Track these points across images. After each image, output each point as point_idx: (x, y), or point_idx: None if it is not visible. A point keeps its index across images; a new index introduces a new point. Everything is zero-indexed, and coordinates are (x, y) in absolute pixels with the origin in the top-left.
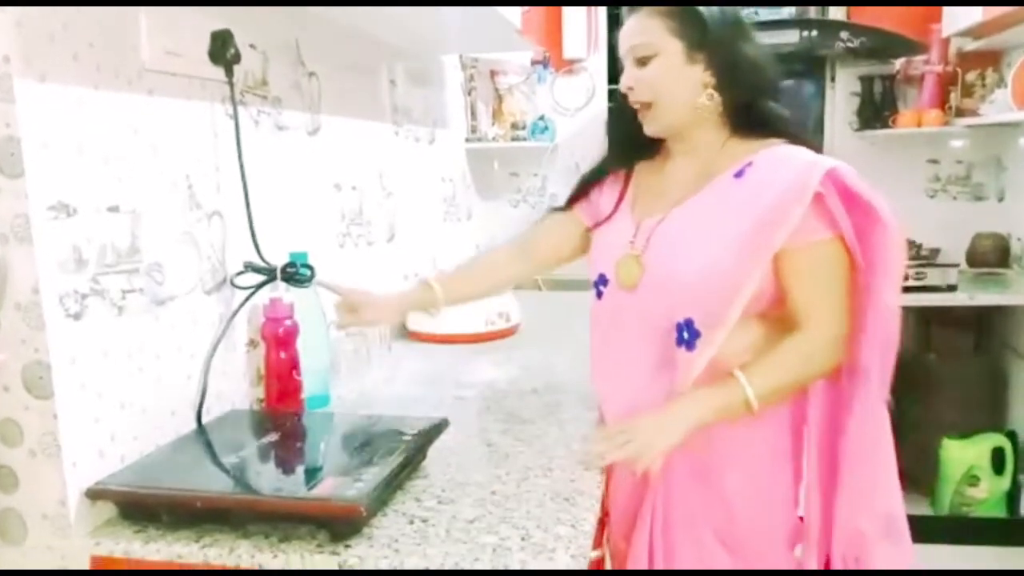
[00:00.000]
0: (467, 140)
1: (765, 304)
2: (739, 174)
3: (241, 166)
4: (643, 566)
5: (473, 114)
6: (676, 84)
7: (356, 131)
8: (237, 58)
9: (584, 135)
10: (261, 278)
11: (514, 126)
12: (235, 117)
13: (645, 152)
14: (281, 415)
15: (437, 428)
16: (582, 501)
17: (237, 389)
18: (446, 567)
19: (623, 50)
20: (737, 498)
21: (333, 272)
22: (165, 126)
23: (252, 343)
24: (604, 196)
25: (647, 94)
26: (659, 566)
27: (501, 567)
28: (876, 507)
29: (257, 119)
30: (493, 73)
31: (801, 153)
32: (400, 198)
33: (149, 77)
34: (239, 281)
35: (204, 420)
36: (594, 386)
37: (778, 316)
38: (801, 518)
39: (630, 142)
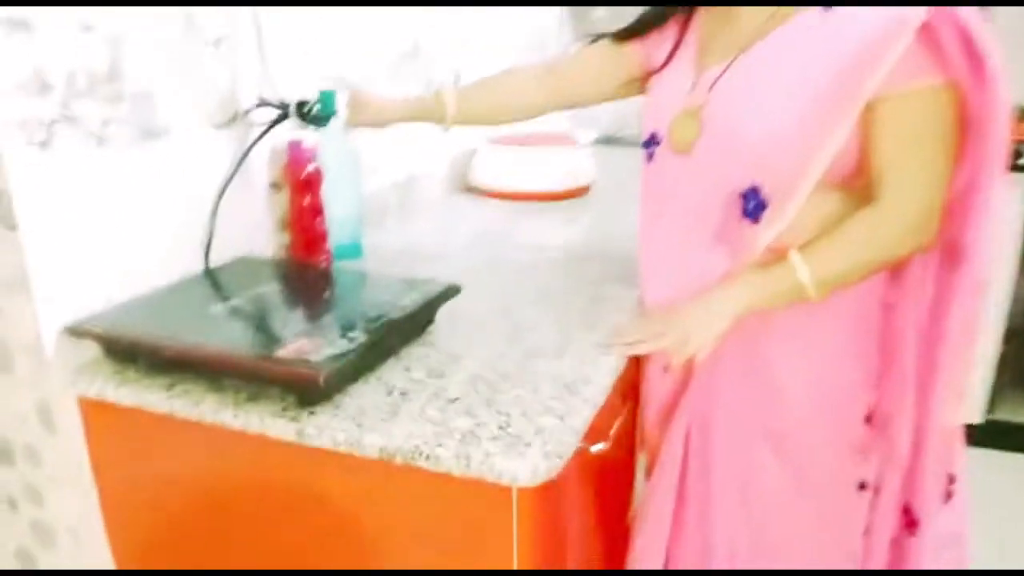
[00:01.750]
0: None
1: (849, 171)
2: (828, 4)
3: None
4: (676, 466)
5: None
6: None
7: None
8: None
9: None
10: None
11: None
12: None
13: None
14: (289, 265)
15: (444, 294)
16: (585, 391)
17: (256, 234)
18: (404, 448)
19: None
20: (793, 394)
21: None
22: None
23: (276, 186)
24: (664, 40)
25: None
26: (694, 469)
27: (463, 456)
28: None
29: None
30: None
31: None
32: (474, 44)
33: None
34: (253, 118)
35: (213, 264)
36: (639, 265)
37: (864, 186)
38: (868, 420)
39: None
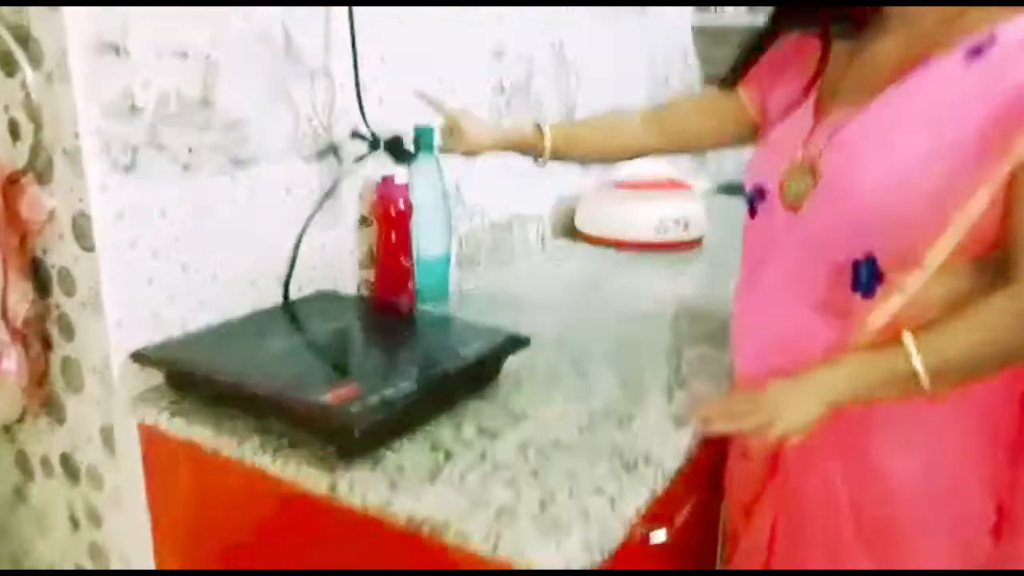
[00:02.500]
0: (696, 12)
1: (984, 244)
2: (975, 52)
3: (351, 15)
4: (759, 560)
5: None
6: None
7: None
8: None
9: None
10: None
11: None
12: None
13: (846, 16)
14: (365, 303)
15: (510, 345)
16: (647, 471)
17: (342, 268)
18: (433, 519)
19: None
20: (899, 496)
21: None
22: None
23: (365, 220)
24: (785, 76)
25: None
26: (779, 564)
27: (494, 534)
28: None
29: None
30: None
31: None
32: (587, 75)
33: None
34: (344, 151)
35: (294, 296)
36: (731, 331)
37: (1001, 261)
38: (994, 534)
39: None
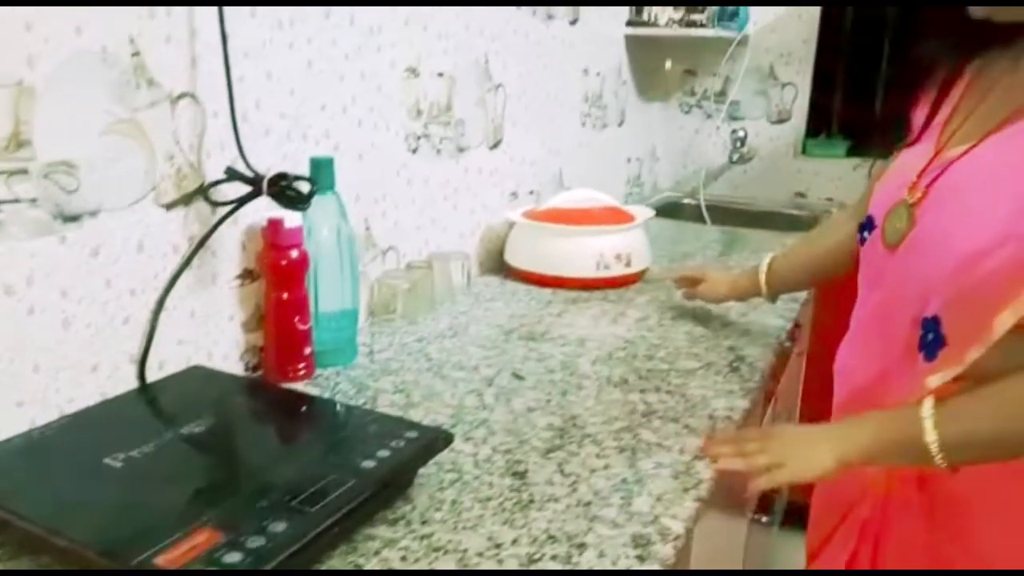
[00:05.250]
0: (629, 24)
1: None
2: None
3: (221, 20)
4: None
5: None
6: None
7: None
8: None
9: (787, 24)
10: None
11: (691, 6)
12: None
13: (991, 43)
14: (243, 385)
15: (426, 450)
16: None
17: (218, 337)
18: None
19: None
20: (995, 558)
21: (399, 188)
22: None
23: (249, 275)
24: (921, 108)
25: None
26: None
27: None
28: None
29: None
30: None
31: None
32: (514, 92)
33: None
34: (218, 193)
35: (159, 376)
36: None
37: None
38: None
39: (962, 28)
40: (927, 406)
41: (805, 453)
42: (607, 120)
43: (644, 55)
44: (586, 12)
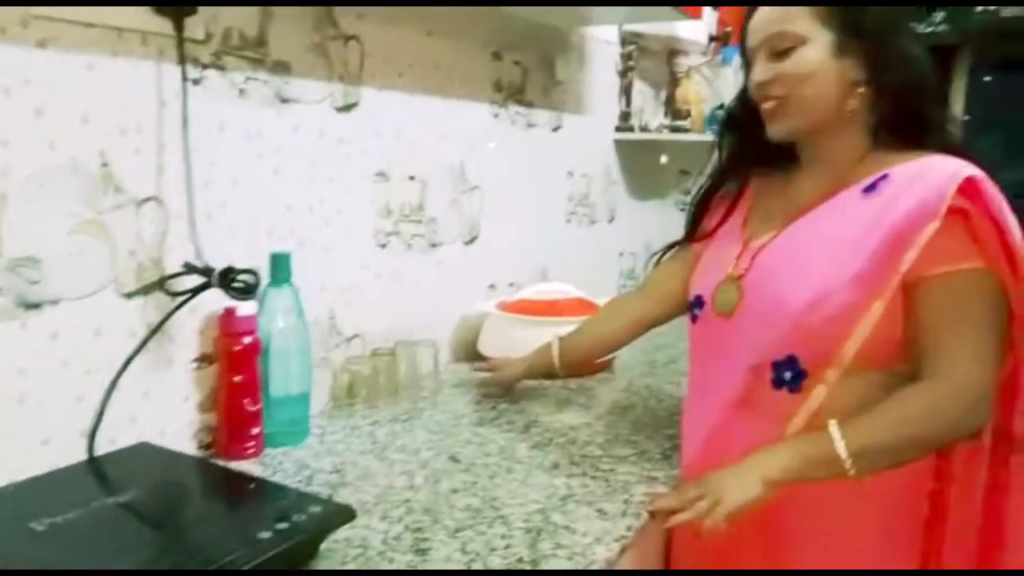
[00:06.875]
0: (617, 129)
1: (895, 354)
2: (870, 188)
3: (185, 139)
4: None
5: (627, 100)
6: (820, 78)
7: (425, 110)
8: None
9: None
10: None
11: (676, 115)
12: (183, 78)
13: (763, 163)
14: (177, 462)
15: (326, 524)
16: None
17: (172, 415)
18: None
19: (754, 43)
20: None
21: (367, 280)
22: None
23: (206, 359)
24: (714, 215)
25: (783, 88)
26: None
27: None
28: None
29: (243, 87)
30: (672, 53)
31: (948, 163)
32: (492, 193)
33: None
34: (178, 285)
35: (108, 450)
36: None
37: (906, 373)
38: None
39: (747, 151)
40: (832, 425)
41: (736, 484)
42: (595, 217)
43: (637, 155)
44: (569, 119)
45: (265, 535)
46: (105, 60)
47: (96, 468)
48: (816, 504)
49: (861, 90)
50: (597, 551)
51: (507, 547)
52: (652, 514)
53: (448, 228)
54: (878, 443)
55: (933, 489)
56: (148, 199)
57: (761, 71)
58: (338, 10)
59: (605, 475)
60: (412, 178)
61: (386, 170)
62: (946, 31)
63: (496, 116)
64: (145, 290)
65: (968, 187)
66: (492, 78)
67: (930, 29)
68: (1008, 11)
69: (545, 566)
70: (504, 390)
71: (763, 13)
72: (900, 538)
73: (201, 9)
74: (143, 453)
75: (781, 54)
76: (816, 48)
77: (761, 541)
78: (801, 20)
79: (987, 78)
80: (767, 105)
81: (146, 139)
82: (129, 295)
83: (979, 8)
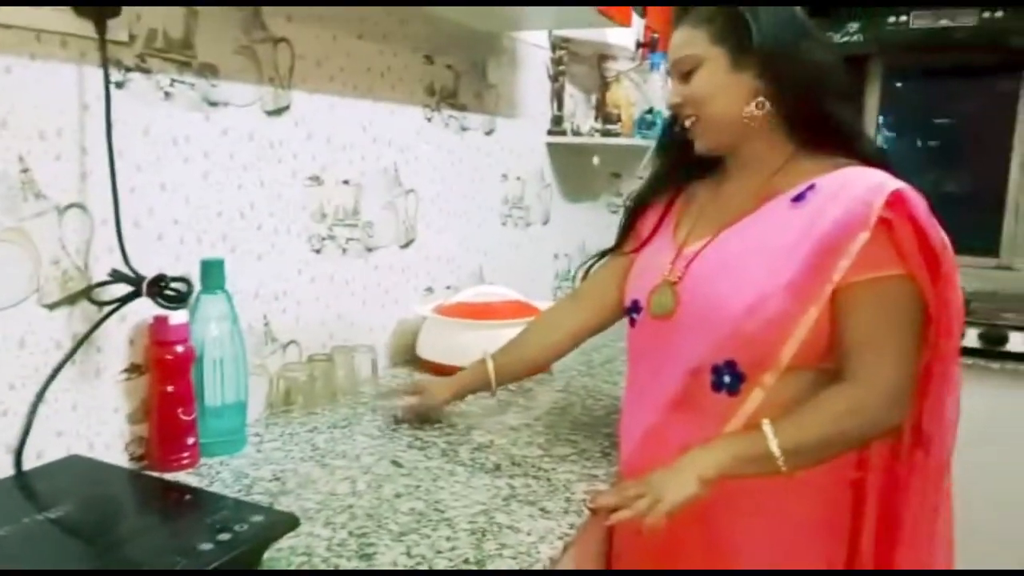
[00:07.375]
0: (550, 133)
1: (826, 353)
2: (798, 199)
3: (109, 143)
4: None
5: (559, 104)
6: (721, 94)
7: (357, 113)
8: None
9: None
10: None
11: (607, 119)
12: (106, 81)
13: (695, 174)
14: (115, 471)
15: (268, 533)
16: None
17: (101, 427)
18: None
19: (669, 65)
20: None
21: (302, 286)
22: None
23: (137, 369)
24: (647, 222)
25: (692, 108)
26: None
27: None
28: None
29: (169, 90)
30: (602, 58)
31: (871, 175)
32: (427, 196)
33: None
34: (105, 294)
35: (33, 465)
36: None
37: (834, 371)
38: None
39: (678, 164)
40: (766, 424)
41: (673, 482)
42: (530, 219)
43: (570, 158)
44: (502, 123)
45: (206, 547)
46: (23, 63)
47: (24, 483)
48: (751, 499)
49: (761, 98)
50: (541, 549)
51: (452, 549)
52: (593, 511)
53: (384, 232)
54: (808, 441)
55: (855, 478)
56: (71, 205)
57: (673, 93)
58: (266, 12)
59: (547, 474)
60: (346, 182)
61: (319, 174)
62: (860, 41)
63: (429, 120)
64: (70, 300)
65: (893, 199)
66: (424, 81)
67: (845, 39)
68: (917, 22)
69: (491, 566)
70: (430, 416)
71: (675, 36)
72: (831, 525)
73: (124, 10)
74: (74, 466)
75: (686, 76)
76: (712, 68)
77: (700, 536)
78: (699, 42)
79: (899, 84)
80: (686, 123)
81: (68, 144)
82: (53, 305)
83: (891, 19)
